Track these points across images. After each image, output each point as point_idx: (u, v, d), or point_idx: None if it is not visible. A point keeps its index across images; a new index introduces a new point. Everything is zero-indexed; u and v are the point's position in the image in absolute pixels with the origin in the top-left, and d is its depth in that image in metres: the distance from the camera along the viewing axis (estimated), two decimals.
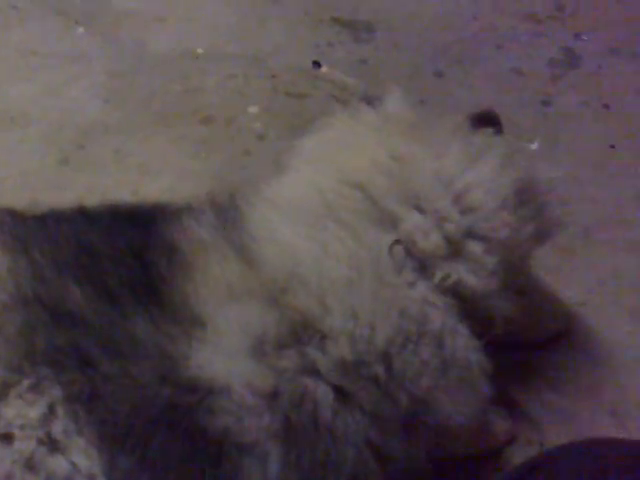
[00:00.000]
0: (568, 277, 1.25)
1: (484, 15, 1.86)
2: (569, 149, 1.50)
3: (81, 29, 1.78)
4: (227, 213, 0.90)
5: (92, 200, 1.34)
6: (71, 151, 1.48)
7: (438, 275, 0.87)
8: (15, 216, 0.92)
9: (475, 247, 0.89)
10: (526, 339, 1.13)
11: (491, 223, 0.90)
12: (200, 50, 1.73)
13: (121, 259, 0.84)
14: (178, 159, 1.48)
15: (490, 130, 0.98)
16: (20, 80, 1.62)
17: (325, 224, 0.86)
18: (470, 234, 0.89)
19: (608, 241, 1.33)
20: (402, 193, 0.89)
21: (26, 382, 0.75)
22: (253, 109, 1.60)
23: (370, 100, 1.02)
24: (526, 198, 0.95)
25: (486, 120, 1.00)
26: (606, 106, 1.61)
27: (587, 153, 1.50)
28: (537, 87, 1.66)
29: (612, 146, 1.51)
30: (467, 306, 0.89)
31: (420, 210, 0.88)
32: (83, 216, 0.93)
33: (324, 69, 1.70)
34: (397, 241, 0.85)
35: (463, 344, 0.87)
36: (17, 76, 1.64)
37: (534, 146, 1.50)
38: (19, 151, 1.46)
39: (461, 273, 0.88)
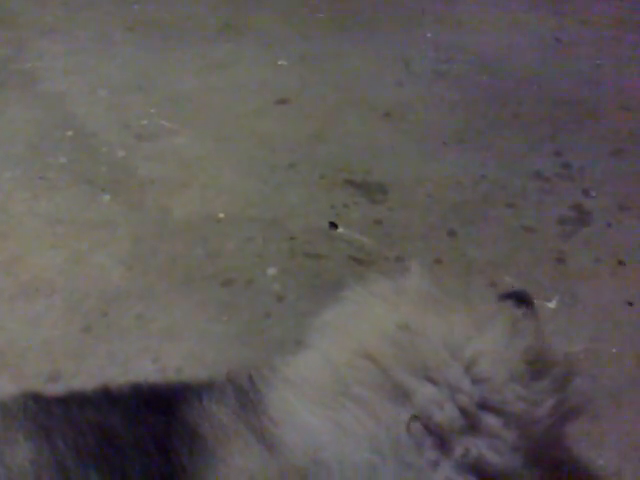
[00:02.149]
0: (599, 444, 1.22)
1: (492, 175, 1.94)
2: (587, 307, 1.51)
3: (107, 197, 1.84)
4: (247, 395, 0.90)
5: (113, 369, 1.38)
6: (94, 319, 1.49)
7: (458, 451, 0.83)
8: (39, 401, 0.92)
9: (491, 420, 0.86)
10: None
11: (503, 395, 0.88)
12: (221, 215, 1.79)
13: (143, 447, 0.84)
14: (200, 323, 1.50)
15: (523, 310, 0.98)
16: (46, 249, 1.67)
17: (342, 402, 0.85)
18: (484, 406, 0.86)
19: (637, 403, 1.30)
20: (412, 363, 0.88)
21: None
22: (272, 270, 1.64)
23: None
24: (541, 370, 0.93)
25: (518, 299, 1.01)
26: (621, 262, 1.63)
27: (605, 311, 1.50)
28: (550, 245, 1.69)
29: (630, 303, 1.51)
30: None
31: (432, 381, 0.86)
32: (106, 399, 0.93)
33: (340, 230, 1.75)
34: (414, 417, 0.83)
35: None
36: (43, 245, 1.68)
37: (552, 304, 1.50)
38: (43, 321, 1.48)
39: (481, 448, 0.84)
